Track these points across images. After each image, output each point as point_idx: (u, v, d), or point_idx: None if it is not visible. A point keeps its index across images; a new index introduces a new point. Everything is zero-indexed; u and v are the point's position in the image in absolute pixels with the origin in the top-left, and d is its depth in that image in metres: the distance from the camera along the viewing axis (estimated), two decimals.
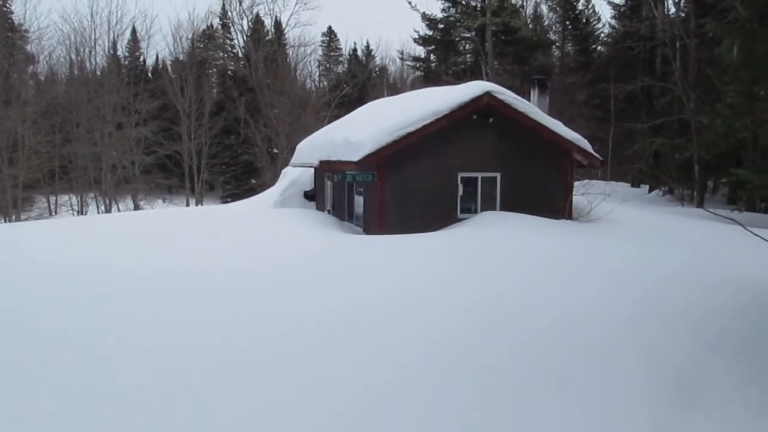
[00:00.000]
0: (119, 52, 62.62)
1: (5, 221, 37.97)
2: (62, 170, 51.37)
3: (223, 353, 8.35)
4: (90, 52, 55.97)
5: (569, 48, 60.40)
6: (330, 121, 33.61)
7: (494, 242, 14.36)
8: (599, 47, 57.93)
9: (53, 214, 50.90)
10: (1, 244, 15.45)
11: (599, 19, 60.76)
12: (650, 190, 41.14)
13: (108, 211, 47.63)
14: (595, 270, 12.24)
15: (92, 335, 8.72)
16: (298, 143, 27.54)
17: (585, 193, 21.16)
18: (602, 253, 13.71)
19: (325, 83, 71.37)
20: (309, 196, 25.69)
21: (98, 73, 55.68)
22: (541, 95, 21.26)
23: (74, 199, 51.96)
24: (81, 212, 50.22)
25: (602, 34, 58.35)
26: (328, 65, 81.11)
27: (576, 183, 20.68)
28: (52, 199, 52.95)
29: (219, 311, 9.79)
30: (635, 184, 44.71)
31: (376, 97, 35.76)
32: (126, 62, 66.24)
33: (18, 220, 39.23)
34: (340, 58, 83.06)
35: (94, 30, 58.06)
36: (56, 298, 10.33)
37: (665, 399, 7.72)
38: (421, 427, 6.86)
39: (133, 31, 66.69)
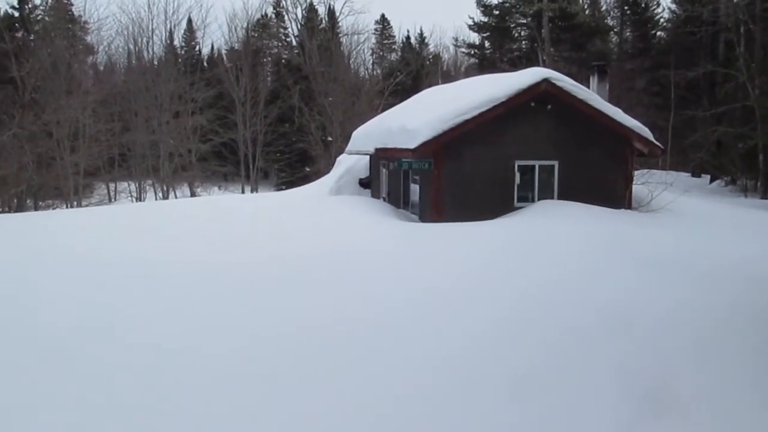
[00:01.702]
0: (176, 42, 63.69)
1: (67, 207, 38.91)
2: (121, 158, 52.47)
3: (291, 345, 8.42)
4: (147, 42, 57.23)
5: (628, 34, 59.01)
6: (383, 109, 33.55)
7: (551, 232, 14.11)
8: (659, 33, 56.53)
9: (112, 200, 52.03)
10: (43, 232, 15.70)
11: (658, 4, 59.20)
12: (711, 180, 40.06)
13: (165, 198, 48.50)
14: (652, 261, 11.87)
15: (121, 334, 8.64)
16: (351, 131, 27.58)
17: (646, 182, 20.68)
18: (662, 244, 13.31)
19: (379, 71, 71.34)
20: (364, 183, 25.70)
21: (155, 62, 56.78)
22: (601, 82, 20.83)
23: (133, 186, 53.03)
24: (139, 199, 51.27)
25: (662, 19, 56.93)
26: (381, 53, 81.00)
27: (636, 172, 20.21)
28: (112, 186, 54.11)
29: (282, 299, 9.86)
30: (696, 174, 43.60)
31: (430, 85, 35.59)
32: (182, 52, 67.36)
33: (79, 206, 40.16)
34: (393, 46, 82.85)
35: (152, 20, 59.53)
36: (103, 292, 10.25)
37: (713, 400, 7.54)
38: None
39: (189, 21, 67.87)
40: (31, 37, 49.36)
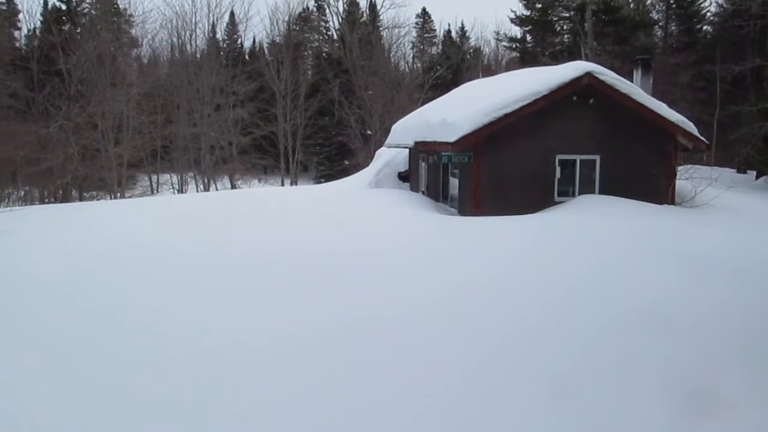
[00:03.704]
0: (218, 36, 64.22)
1: (111, 198, 39.55)
2: (164, 150, 52.98)
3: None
4: (190, 36, 57.62)
5: (672, 28, 57.95)
6: (423, 103, 33.46)
7: (592, 227, 13.93)
8: (705, 26, 55.39)
9: (155, 192, 52.72)
10: (81, 223, 16.00)
11: None
12: (758, 176, 39.16)
13: (207, 189, 49.02)
14: (695, 257, 11.65)
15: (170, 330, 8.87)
16: (391, 124, 27.58)
17: (690, 177, 20.33)
18: (705, 240, 13.05)
19: (419, 65, 71.10)
20: (403, 176, 25.69)
21: (198, 55, 57.20)
22: (645, 76, 20.54)
23: (175, 178, 53.66)
24: (181, 191, 51.86)
25: (708, 13, 55.77)
26: (422, 47, 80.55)
27: (679, 168, 19.88)
28: (154, 177, 54.78)
29: (344, 292, 10.03)
30: (741, 169, 42.67)
31: (470, 79, 35.35)
32: (224, 45, 67.85)
33: (123, 197, 40.78)
34: (434, 40, 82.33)
35: (195, 14, 60.17)
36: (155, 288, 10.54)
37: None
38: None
39: (232, 15, 68.31)
40: (78, 30, 50.18)
